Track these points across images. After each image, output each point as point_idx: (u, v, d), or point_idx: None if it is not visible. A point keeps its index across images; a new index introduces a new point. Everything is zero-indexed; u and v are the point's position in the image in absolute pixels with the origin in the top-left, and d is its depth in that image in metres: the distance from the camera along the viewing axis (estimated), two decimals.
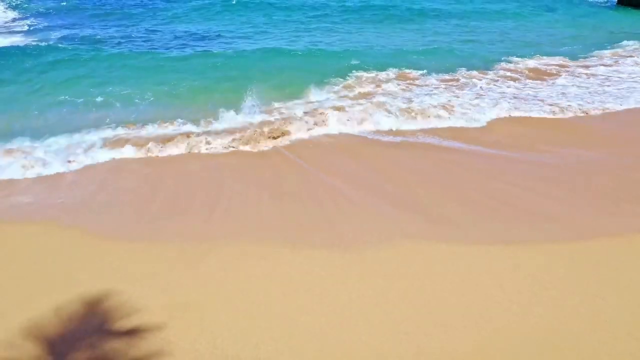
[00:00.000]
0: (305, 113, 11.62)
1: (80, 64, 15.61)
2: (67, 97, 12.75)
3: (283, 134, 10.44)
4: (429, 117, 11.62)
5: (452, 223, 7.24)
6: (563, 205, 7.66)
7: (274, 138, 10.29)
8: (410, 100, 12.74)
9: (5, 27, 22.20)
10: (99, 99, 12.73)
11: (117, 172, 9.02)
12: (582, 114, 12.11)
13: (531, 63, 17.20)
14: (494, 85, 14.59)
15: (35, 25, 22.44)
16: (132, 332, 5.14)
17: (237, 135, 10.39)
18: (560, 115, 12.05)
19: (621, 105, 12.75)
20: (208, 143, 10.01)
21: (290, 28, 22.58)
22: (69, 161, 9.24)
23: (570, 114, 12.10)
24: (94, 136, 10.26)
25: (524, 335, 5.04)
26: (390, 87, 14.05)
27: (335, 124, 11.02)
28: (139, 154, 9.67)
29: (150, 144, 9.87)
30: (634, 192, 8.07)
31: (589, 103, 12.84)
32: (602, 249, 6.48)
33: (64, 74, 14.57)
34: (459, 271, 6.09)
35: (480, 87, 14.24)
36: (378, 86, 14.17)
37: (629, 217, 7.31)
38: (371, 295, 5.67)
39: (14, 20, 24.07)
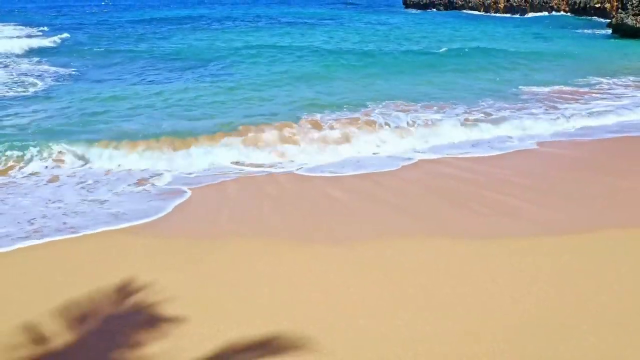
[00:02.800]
0: None
1: None
2: None
3: None
4: None
5: (447, 224, 7.53)
6: (548, 210, 8.00)
7: None
8: None
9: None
10: None
11: None
12: None
13: None
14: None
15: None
16: (140, 319, 5.36)
17: None
18: None
19: None
20: None
21: None
22: None
23: None
24: None
25: (514, 321, 5.23)
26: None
27: None
28: None
29: None
30: (603, 195, 8.62)
31: None
32: (585, 244, 6.83)
33: None
34: (454, 265, 6.32)
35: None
36: None
37: (602, 215, 7.81)
38: (369, 286, 5.89)
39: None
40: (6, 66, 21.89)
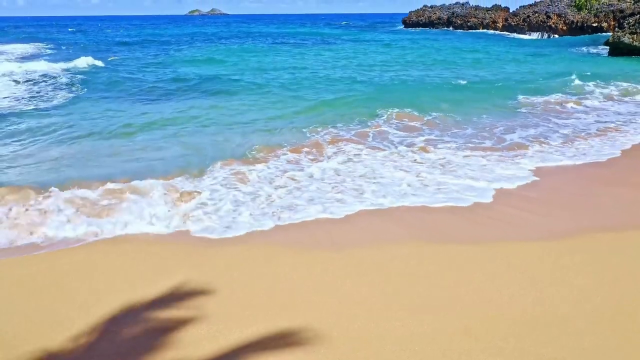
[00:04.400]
0: None
1: None
2: None
3: None
4: None
5: (446, 231, 7.59)
6: (548, 218, 8.10)
7: None
8: None
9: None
10: None
11: None
12: None
13: None
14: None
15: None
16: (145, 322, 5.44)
17: None
18: None
19: None
20: None
21: None
22: None
23: None
24: None
25: (512, 320, 5.27)
26: None
27: None
28: None
29: None
30: (602, 203, 8.77)
31: None
32: (582, 247, 6.93)
33: None
34: (452, 268, 6.38)
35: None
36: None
37: (599, 221, 7.96)
38: (367, 289, 5.92)
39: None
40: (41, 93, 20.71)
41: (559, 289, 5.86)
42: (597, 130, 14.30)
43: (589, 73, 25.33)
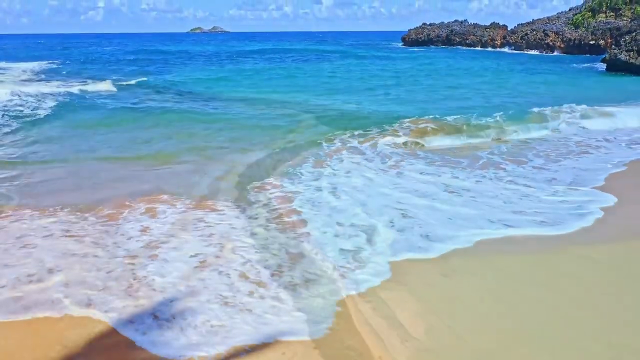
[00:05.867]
0: None
1: None
2: None
3: None
4: None
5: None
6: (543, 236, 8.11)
7: None
8: None
9: None
10: None
11: None
12: None
13: None
14: None
15: None
16: None
17: None
18: None
19: None
20: None
21: None
22: None
23: None
24: None
25: (503, 331, 5.36)
26: None
27: None
28: None
29: None
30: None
31: None
32: (576, 261, 7.03)
33: None
34: (449, 281, 6.47)
35: None
36: None
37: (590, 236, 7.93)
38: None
39: None
40: None
41: (552, 299, 5.94)
42: (577, 145, 14.56)
43: (583, 89, 25.61)
